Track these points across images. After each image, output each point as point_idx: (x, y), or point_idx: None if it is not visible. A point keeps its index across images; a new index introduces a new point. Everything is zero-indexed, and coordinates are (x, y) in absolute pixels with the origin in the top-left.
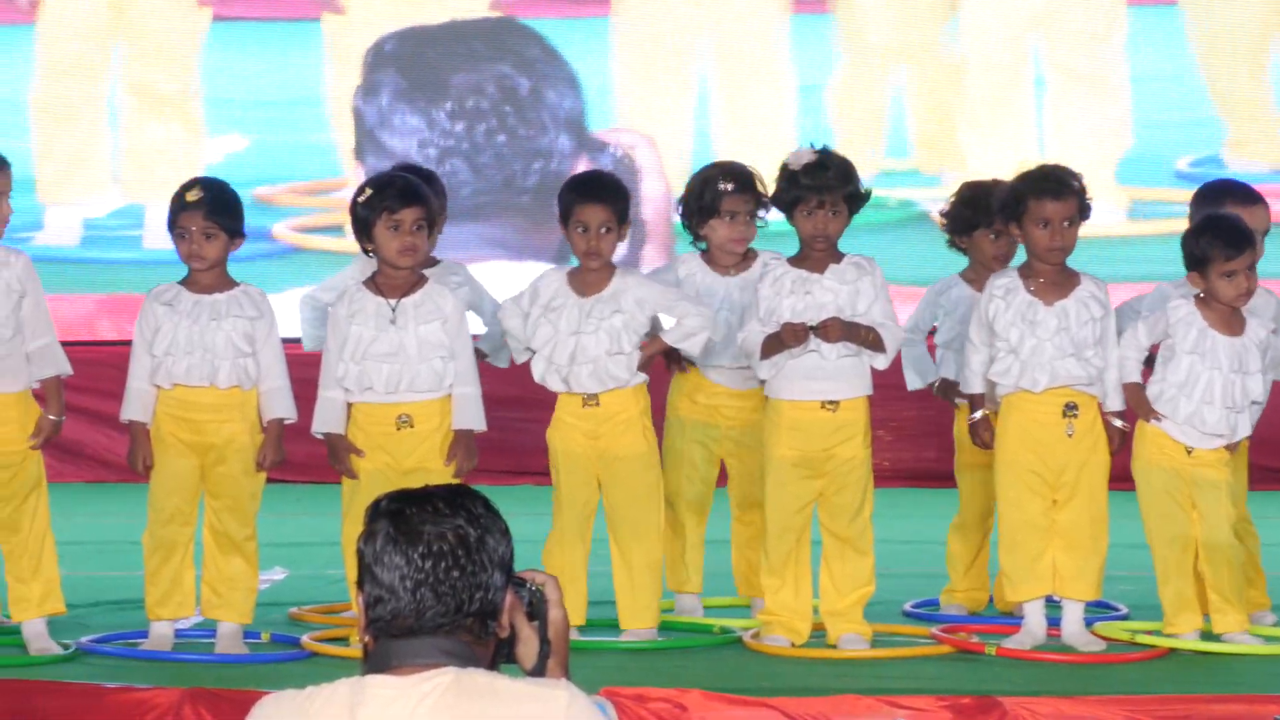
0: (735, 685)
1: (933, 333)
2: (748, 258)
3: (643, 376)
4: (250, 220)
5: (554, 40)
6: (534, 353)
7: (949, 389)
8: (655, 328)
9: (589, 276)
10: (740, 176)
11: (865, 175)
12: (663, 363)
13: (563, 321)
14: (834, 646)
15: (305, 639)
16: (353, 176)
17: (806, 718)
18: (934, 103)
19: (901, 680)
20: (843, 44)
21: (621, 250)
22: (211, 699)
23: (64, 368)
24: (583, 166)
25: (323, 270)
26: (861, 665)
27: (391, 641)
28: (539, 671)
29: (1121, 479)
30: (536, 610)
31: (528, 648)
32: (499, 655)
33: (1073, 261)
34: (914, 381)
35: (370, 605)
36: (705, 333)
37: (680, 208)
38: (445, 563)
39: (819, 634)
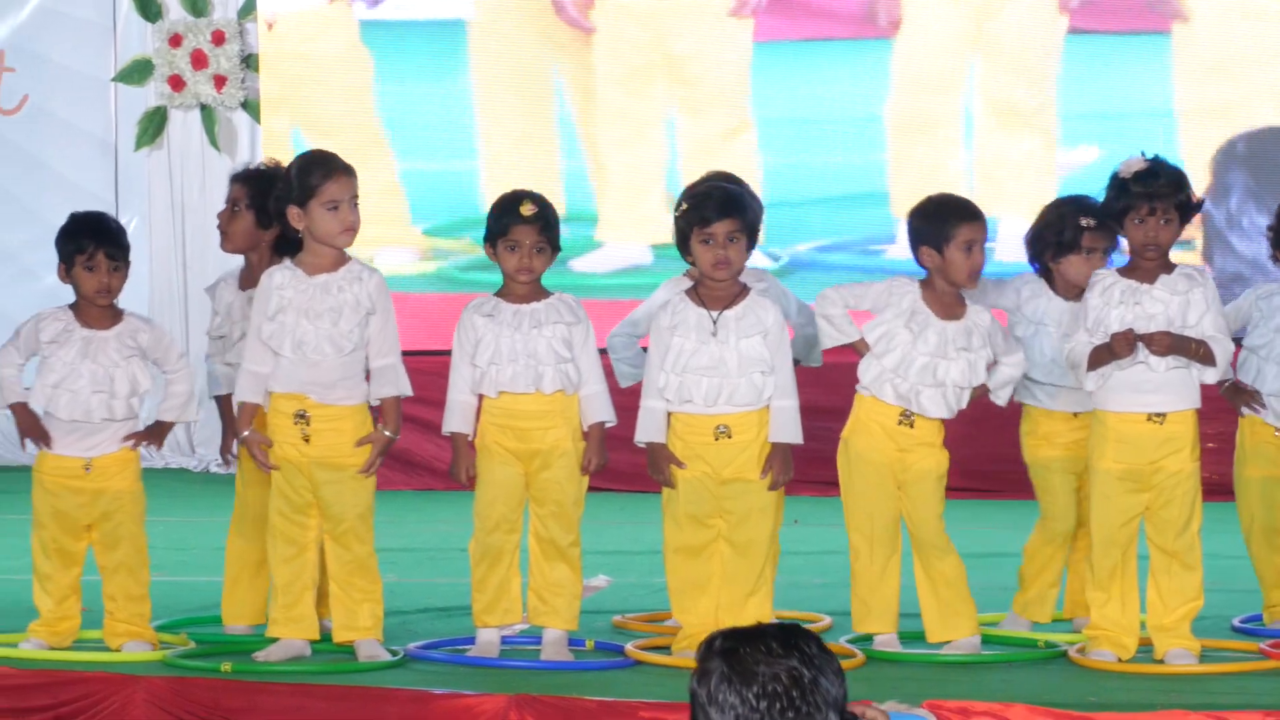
0: (1060, 700)
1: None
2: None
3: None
4: None
5: None
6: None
7: (1238, 394)
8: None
9: (946, 299)
10: (1098, 213)
11: None
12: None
13: (922, 341)
14: (1161, 662)
15: (629, 647)
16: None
17: None
18: None
19: (1229, 696)
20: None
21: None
22: (536, 705)
23: (403, 388)
24: None
25: None
26: (1189, 681)
27: None
28: None
29: None
30: None
31: None
32: None
33: None
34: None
35: None
36: (1013, 385)
37: (1031, 241)
38: (780, 704)
39: (1146, 649)
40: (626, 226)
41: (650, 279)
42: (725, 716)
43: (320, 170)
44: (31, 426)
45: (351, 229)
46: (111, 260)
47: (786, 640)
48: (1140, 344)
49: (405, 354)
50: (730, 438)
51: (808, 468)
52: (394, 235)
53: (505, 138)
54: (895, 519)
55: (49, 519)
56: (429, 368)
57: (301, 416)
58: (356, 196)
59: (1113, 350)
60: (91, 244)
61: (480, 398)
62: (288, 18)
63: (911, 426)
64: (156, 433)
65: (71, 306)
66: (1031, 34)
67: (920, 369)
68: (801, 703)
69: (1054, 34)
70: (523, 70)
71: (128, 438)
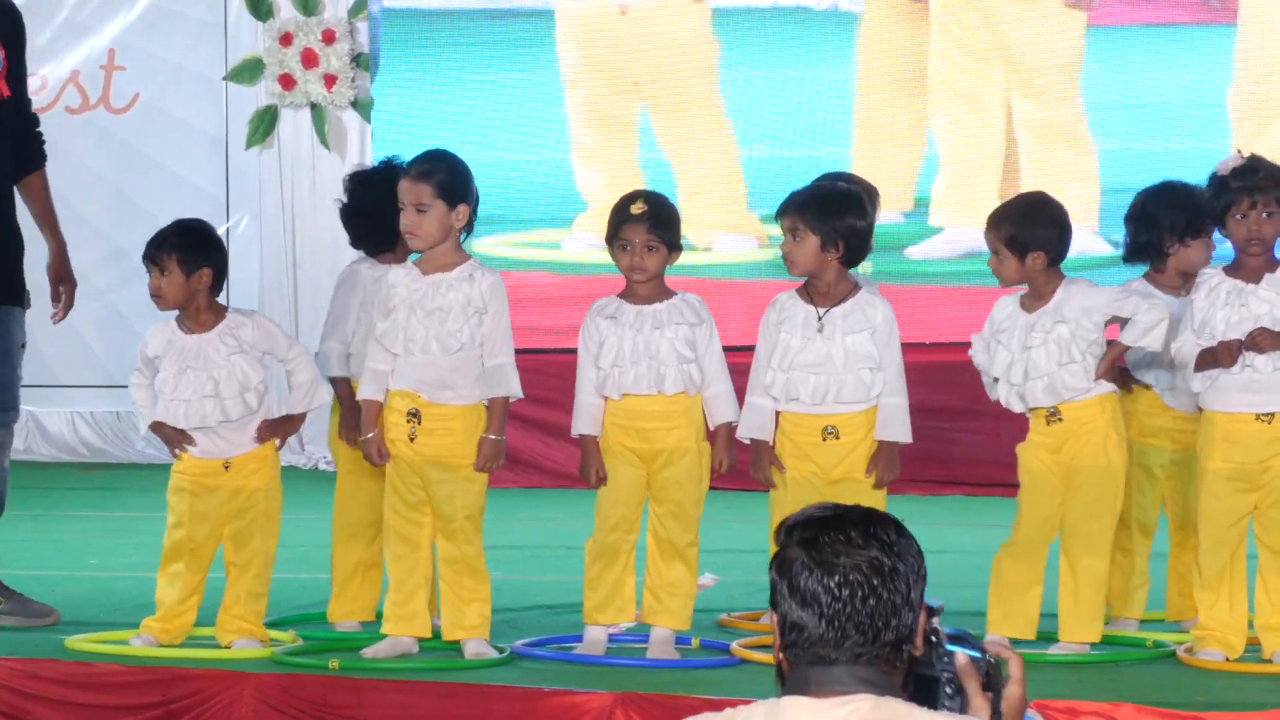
0: (1169, 700)
1: None
2: (1188, 281)
3: (1107, 386)
4: None
5: None
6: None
7: None
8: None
9: (1034, 293)
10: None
11: None
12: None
13: (1014, 341)
14: (1269, 661)
15: (735, 646)
16: None
17: None
18: None
19: None
20: None
21: None
22: (642, 704)
23: (513, 390)
24: None
25: None
26: None
27: (809, 668)
28: None
29: None
30: (993, 682)
31: (979, 715)
32: (910, 674)
33: None
34: None
35: (785, 630)
36: (1162, 324)
37: (1132, 226)
38: (861, 592)
39: (1254, 649)
40: (961, 208)
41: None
42: (808, 607)
43: (404, 170)
44: (171, 436)
45: (409, 232)
46: (155, 265)
47: (866, 528)
48: (1245, 349)
49: (726, 349)
50: (839, 439)
51: (916, 467)
52: (733, 222)
53: (873, 127)
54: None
55: (187, 518)
56: (536, 365)
57: (413, 415)
58: (424, 205)
59: (1218, 359)
60: (146, 251)
61: (605, 399)
62: (639, 6)
63: None
64: (287, 426)
65: (178, 315)
66: None
67: None
68: (884, 590)
69: None
70: (900, 60)
71: (258, 434)
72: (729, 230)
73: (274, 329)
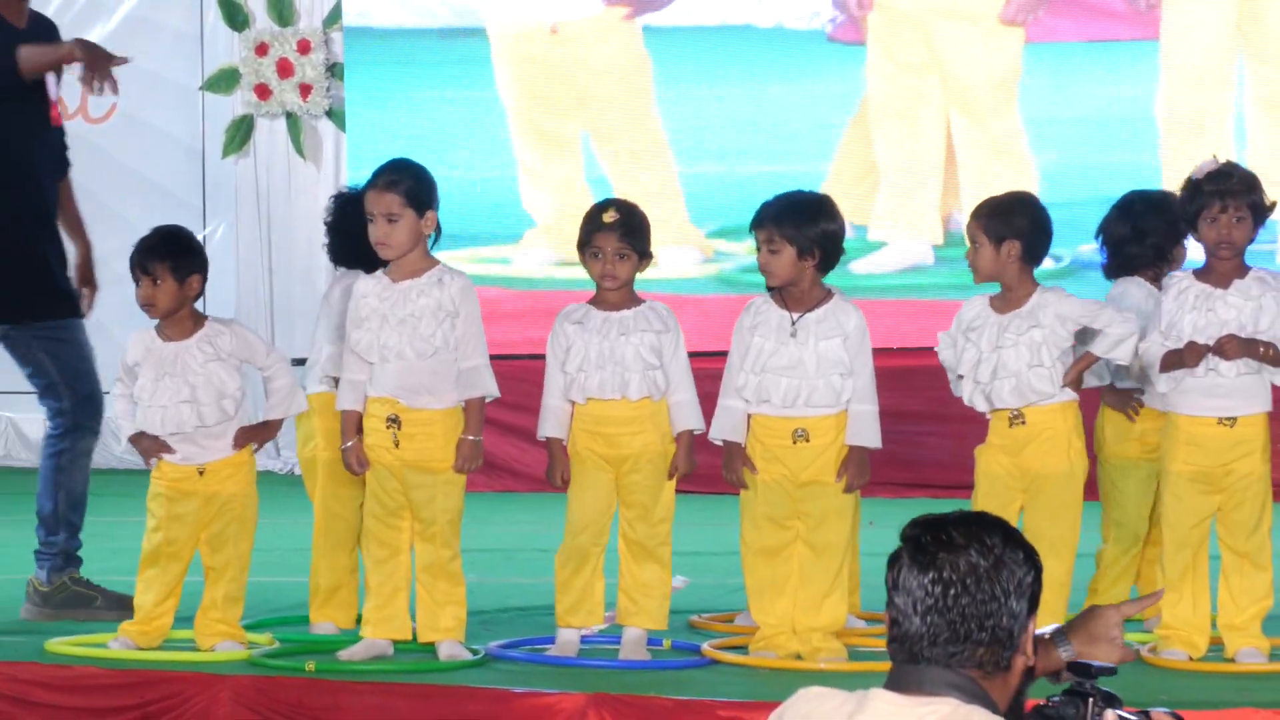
0: (1133, 699)
1: None
2: None
3: (1072, 394)
4: None
5: None
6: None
7: None
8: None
9: (1007, 296)
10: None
11: None
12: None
13: (984, 339)
14: (1232, 660)
15: (706, 646)
16: None
17: None
18: None
19: None
20: None
21: None
22: (615, 704)
23: (490, 389)
24: None
25: None
26: (1259, 679)
27: (904, 665)
28: None
29: None
30: None
31: None
32: (1024, 689)
33: None
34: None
35: (889, 625)
36: (1132, 338)
37: (1115, 240)
38: (954, 590)
39: (1217, 648)
40: (901, 223)
41: (932, 279)
42: (906, 601)
43: (367, 183)
44: (149, 448)
45: (380, 243)
46: (147, 275)
47: (969, 529)
48: (1210, 352)
49: (691, 355)
50: (808, 442)
51: (885, 470)
52: (675, 237)
53: (783, 139)
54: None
55: (165, 523)
56: (512, 372)
57: (393, 421)
58: (395, 215)
59: (1183, 360)
60: (135, 260)
61: (573, 404)
62: (571, 24)
63: None
64: (264, 432)
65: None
66: None
67: None
68: (976, 590)
69: None
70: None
71: (236, 440)
72: (672, 244)
73: (252, 337)
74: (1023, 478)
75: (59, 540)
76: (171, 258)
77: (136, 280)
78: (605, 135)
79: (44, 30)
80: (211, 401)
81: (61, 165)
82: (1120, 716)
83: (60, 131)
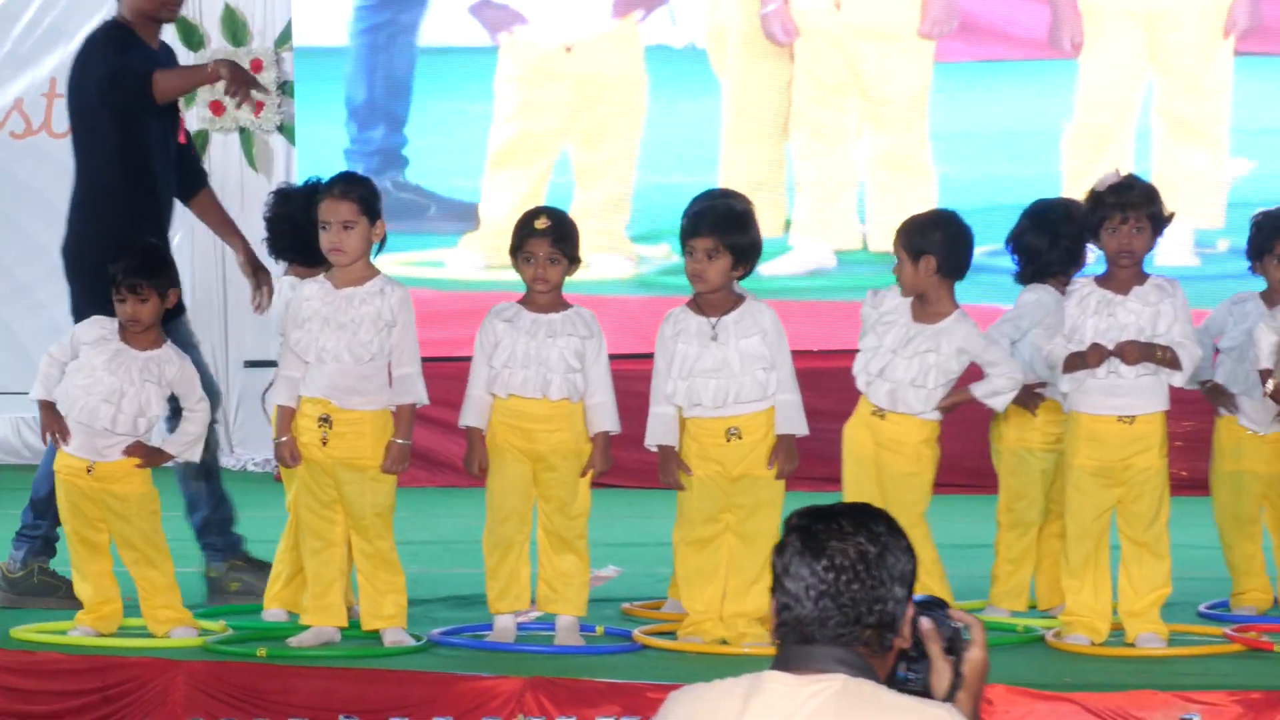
0: (1038, 681)
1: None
2: None
3: (936, 415)
4: None
5: None
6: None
7: (1218, 395)
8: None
9: (926, 308)
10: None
11: None
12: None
13: (889, 336)
14: (1132, 645)
15: (636, 633)
16: None
17: (1105, 712)
18: None
19: (1195, 677)
20: None
21: None
22: (551, 687)
23: (420, 397)
24: None
25: None
26: (1158, 663)
27: (794, 646)
28: (947, 700)
29: None
30: (955, 647)
31: (940, 679)
32: (898, 668)
33: None
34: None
35: (778, 610)
36: (1010, 393)
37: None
38: (846, 576)
39: (1118, 633)
40: (816, 231)
41: (834, 282)
42: (797, 586)
43: (322, 192)
44: (51, 422)
45: (335, 249)
46: (135, 294)
47: (857, 519)
48: (1112, 355)
49: (613, 357)
50: (741, 439)
51: (803, 465)
52: (609, 244)
53: (708, 150)
54: None
55: (69, 513)
56: (458, 373)
57: (324, 420)
58: (350, 222)
59: (1086, 361)
60: (118, 275)
61: (494, 397)
62: (582, 41)
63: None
64: (155, 456)
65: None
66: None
67: None
68: (866, 576)
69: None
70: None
71: (127, 450)
72: (604, 251)
73: (194, 379)
74: (876, 462)
75: (44, 525)
76: (156, 275)
77: (120, 297)
78: (589, 146)
79: (167, 54)
80: (131, 414)
81: (200, 178)
82: (931, 616)
83: (189, 147)
